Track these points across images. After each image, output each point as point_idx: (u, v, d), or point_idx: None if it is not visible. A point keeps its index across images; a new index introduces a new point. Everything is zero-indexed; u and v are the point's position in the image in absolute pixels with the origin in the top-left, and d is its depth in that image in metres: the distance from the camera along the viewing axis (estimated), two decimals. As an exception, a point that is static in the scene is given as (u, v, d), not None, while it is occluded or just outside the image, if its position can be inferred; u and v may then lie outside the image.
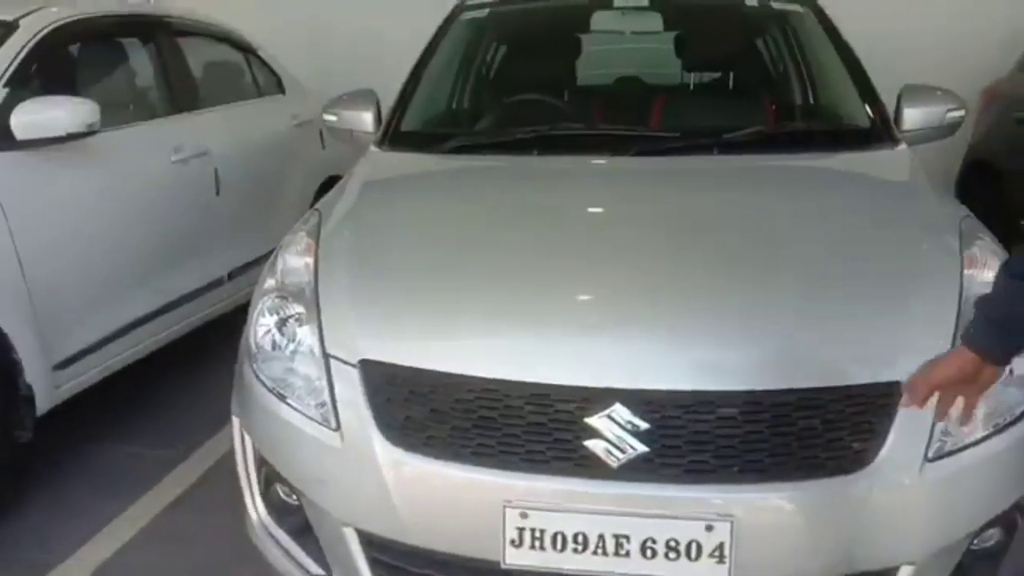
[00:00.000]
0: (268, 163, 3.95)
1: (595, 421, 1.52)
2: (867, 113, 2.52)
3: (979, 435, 1.57)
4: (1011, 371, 1.61)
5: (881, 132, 2.45)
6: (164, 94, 3.48)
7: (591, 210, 2.10)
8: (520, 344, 1.64)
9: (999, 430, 1.59)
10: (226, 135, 3.65)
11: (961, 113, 2.61)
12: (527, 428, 1.55)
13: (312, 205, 4.15)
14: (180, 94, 3.52)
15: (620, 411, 1.51)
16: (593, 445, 1.52)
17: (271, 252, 3.99)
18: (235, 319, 3.58)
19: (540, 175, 2.33)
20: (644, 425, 1.51)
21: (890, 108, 2.57)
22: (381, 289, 1.83)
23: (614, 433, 1.51)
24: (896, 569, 1.53)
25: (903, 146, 2.43)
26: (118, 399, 3.22)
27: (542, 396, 1.54)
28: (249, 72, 4.24)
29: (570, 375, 1.55)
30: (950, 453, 1.54)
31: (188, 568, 2.32)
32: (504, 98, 3.11)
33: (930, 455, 1.52)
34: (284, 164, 4.09)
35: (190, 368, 3.53)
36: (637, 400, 1.52)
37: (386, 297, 1.80)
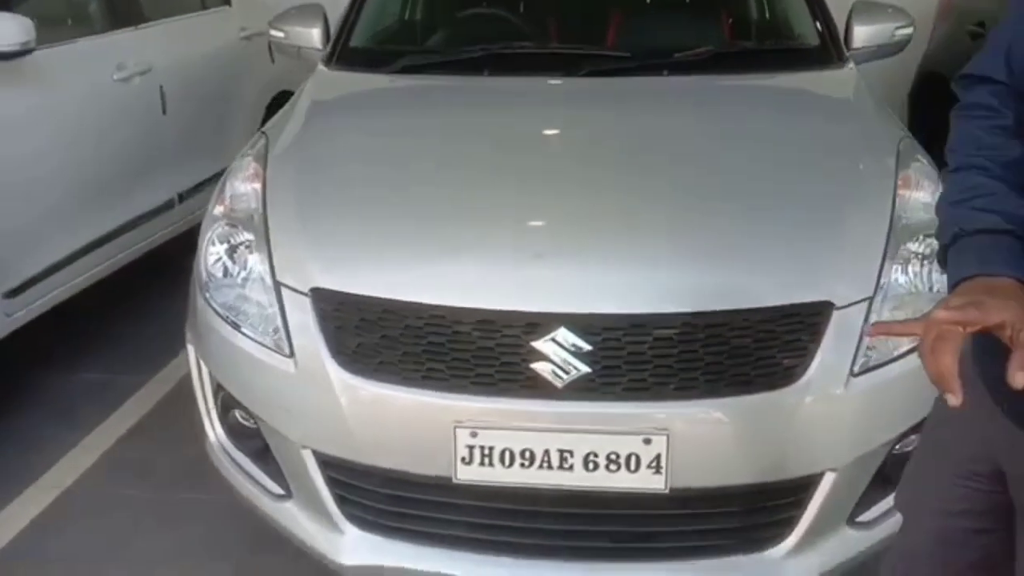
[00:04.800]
0: (216, 79, 3.84)
1: (540, 344, 1.58)
2: (817, 31, 2.53)
3: (903, 350, 1.66)
4: (935, 289, 1.70)
5: (830, 51, 2.47)
6: (103, 8, 3.33)
7: (541, 136, 2.12)
8: (467, 272, 1.68)
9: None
10: (171, 51, 3.52)
11: (909, 31, 2.64)
12: (475, 353, 1.60)
13: (263, 122, 4.13)
14: (121, 8, 3.37)
15: (564, 334, 1.57)
16: (539, 367, 1.58)
17: (222, 172, 3.94)
18: (189, 241, 3.57)
19: (490, 97, 2.32)
20: (586, 347, 1.57)
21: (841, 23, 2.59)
22: (330, 217, 1.84)
23: (558, 355, 1.57)
24: (820, 475, 1.64)
25: (851, 65, 2.46)
26: (73, 326, 3.20)
27: (489, 322, 1.59)
28: (192, -18, 4.07)
29: (516, 301, 1.60)
30: (874, 367, 1.63)
31: (146, 497, 2.36)
32: (455, 11, 3.05)
33: (855, 370, 1.61)
34: (233, 80, 3.98)
35: (146, 293, 3.52)
36: (579, 323, 1.57)
37: (335, 225, 1.82)
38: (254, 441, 1.87)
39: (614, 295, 1.60)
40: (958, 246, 1.03)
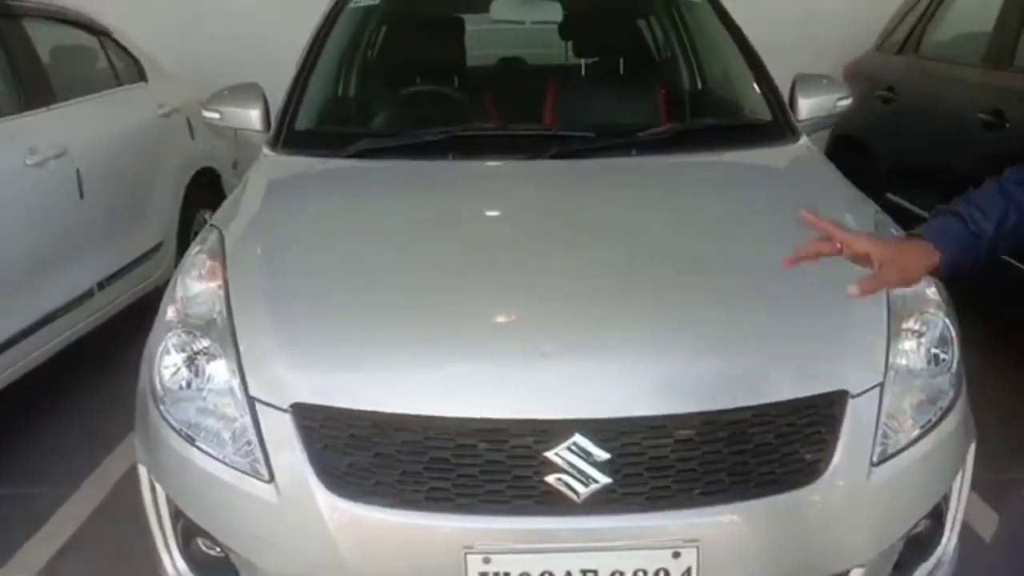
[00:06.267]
0: (135, 159, 3.61)
1: (554, 454, 1.46)
2: (767, 105, 2.56)
3: (915, 434, 1.63)
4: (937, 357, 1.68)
5: (783, 126, 2.49)
6: (11, 88, 3.09)
7: (525, 224, 2.02)
8: (469, 377, 1.55)
9: (930, 427, 1.65)
10: (86, 131, 3.31)
11: (848, 101, 2.71)
12: (484, 467, 1.47)
13: (184, 200, 3.92)
14: (31, 87, 3.13)
15: (580, 442, 1.46)
16: (554, 480, 1.46)
17: (144, 256, 3.67)
18: (110, 331, 3.28)
19: (462, 183, 2.22)
20: (604, 455, 1.46)
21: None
22: (308, 321, 1.68)
23: (575, 465, 1.46)
24: (847, 573, 1.57)
25: (804, 138, 2.49)
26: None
27: (498, 431, 1.47)
28: (105, 58, 3.85)
29: (525, 407, 1.49)
30: (892, 455, 1.58)
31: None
32: (398, 89, 2.96)
33: (875, 459, 1.56)
34: (152, 159, 3.76)
35: (63, 391, 3.19)
36: (596, 429, 1.47)
37: (315, 330, 1.66)
38: (223, 573, 1.67)
39: (631, 396, 1.50)
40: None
